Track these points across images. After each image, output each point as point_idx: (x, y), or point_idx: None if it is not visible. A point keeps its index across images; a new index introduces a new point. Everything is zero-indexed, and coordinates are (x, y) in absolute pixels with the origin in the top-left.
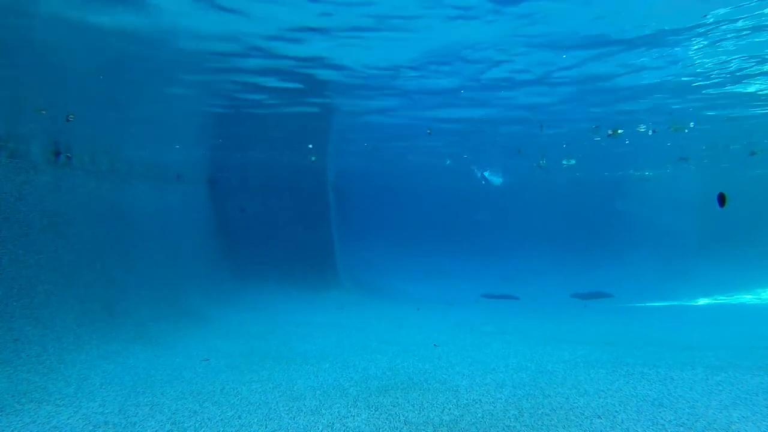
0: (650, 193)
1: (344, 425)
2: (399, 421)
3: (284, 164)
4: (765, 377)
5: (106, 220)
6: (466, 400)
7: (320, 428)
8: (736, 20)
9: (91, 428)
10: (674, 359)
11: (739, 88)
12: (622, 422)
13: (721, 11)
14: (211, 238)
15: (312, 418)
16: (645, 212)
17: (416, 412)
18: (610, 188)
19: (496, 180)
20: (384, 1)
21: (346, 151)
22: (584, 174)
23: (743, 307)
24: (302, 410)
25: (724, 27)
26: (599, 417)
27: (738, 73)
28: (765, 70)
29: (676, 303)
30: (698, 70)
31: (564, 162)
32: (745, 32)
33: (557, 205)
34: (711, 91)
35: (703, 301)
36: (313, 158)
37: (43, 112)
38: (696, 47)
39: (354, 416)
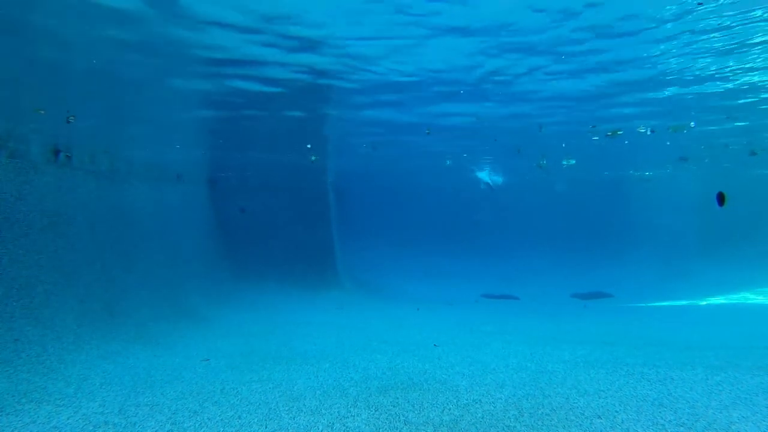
0: (650, 193)
1: (344, 425)
2: (399, 421)
3: (284, 164)
4: (765, 377)
5: (106, 220)
6: (466, 400)
7: (320, 428)
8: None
9: (91, 428)
10: (674, 359)
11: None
12: (622, 422)
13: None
14: (211, 238)
15: (312, 418)
16: (645, 212)
17: (416, 412)
18: (610, 188)
19: (498, 180)
20: None
21: (346, 151)
22: (584, 174)
23: (743, 307)
24: (302, 410)
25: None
26: (599, 417)
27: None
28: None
29: (676, 303)
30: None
31: (564, 162)
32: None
33: (557, 205)
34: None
35: (702, 301)
36: (313, 158)
37: (42, 112)
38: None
39: (354, 416)
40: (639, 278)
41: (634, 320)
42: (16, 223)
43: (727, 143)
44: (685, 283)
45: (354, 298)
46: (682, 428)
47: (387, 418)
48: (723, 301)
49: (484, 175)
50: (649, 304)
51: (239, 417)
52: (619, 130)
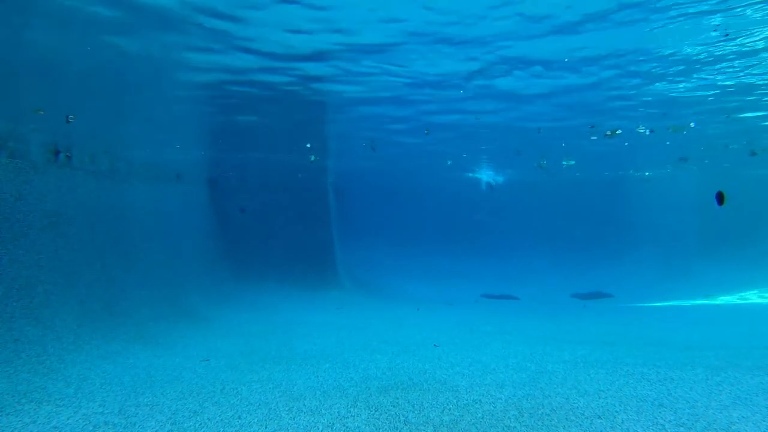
0: (650, 193)
1: (344, 425)
2: (399, 421)
3: (284, 164)
4: (765, 377)
5: (106, 220)
6: (466, 400)
7: (320, 428)
8: None
9: (91, 428)
10: (674, 359)
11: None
12: (622, 422)
13: None
14: (211, 238)
15: (312, 418)
16: (645, 212)
17: (416, 412)
18: (610, 188)
19: (498, 180)
20: None
21: (346, 151)
22: (584, 174)
23: (743, 307)
24: (302, 410)
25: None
26: (599, 417)
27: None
28: None
29: (676, 303)
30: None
31: (564, 162)
32: None
33: (557, 205)
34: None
35: (703, 301)
36: (313, 158)
37: (42, 112)
38: None
39: (354, 416)
40: (639, 278)
41: (634, 320)
42: (16, 223)
43: (727, 143)
44: (685, 283)
45: (354, 298)
46: (682, 428)
47: (387, 418)
48: (723, 301)
49: (485, 175)
50: (649, 304)
51: (239, 417)
52: (618, 130)
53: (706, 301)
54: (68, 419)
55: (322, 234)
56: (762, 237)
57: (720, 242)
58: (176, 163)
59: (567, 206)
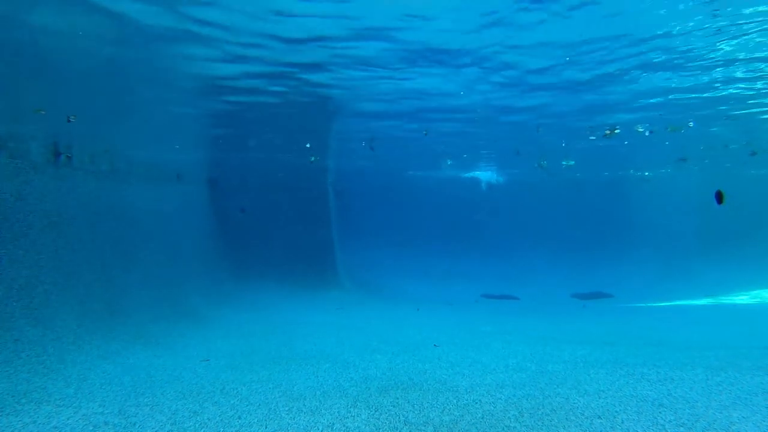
0: (650, 193)
1: (344, 425)
2: (399, 422)
3: (284, 164)
4: (765, 377)
5: (106, 220)
6: (466, 400)
7: (320, 428)
8: None
9: (91, 428)
10: (674, 359)
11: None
12: (622, 422)
13: None
14: (211, 238)
15: (312, 418)
16: (645, 212)
17: (416, 412)
18: (610, 188)
19: (498, 179)
20: None
21: (346, 151)
22: (584, 174)
23: (743, 307)
24: (302, 410)
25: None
26: (599, 417)
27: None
28: None
29: (676, 303)
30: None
31: (564, 162)
32: None
33: (557, 205)
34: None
35: (703, 301)
36: (313, 158)
37: (43, 112)
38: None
39: (354, 416)
40: (639, 278)
41: (634, 320)
42: (16, 223)
43: (727, 143)
44: (685, 283)
45: (354, 298)
46: (682, 428)
47: (387, 419)
48: (723, 301)
49: (486, 174)
50: (649, 304)
51: (239, 417)
52: (617, 129)
53: (706, 301)
54: (68, 419)
55: (322, 234)
56: (762, 237)
57: (720, 242)
58: (176, 163)
59: (567, 206)
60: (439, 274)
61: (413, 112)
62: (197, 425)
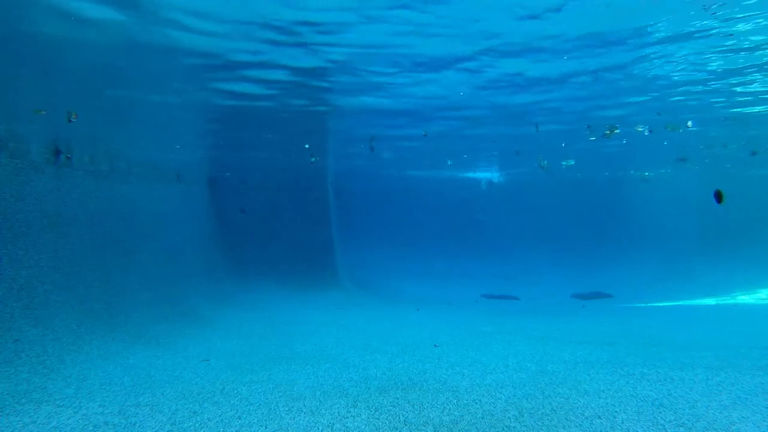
0: (650, 193)
1: (344, 425)
2: (399, 422)
3: (284, 164)
4: (765, 377)
5: (106, 220)
6: (466, 400)
7: (320, 428)
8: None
9: (91, 428)
10: (674, 359)
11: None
12: (622, 422)
13: None
14: (211, 238)
15: (312, 418)
16: (645, 212)
17: (416, 412)
18: (610, 189)
19: (498, 178)
20: None
21: (346, 151)
22: (584, 174)
23: (743, 307)
24: (302, 410)
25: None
26: (599, 417)
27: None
28: None
29: (675, 303)
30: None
31: (563, 163)
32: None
33: (557, 205)
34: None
35: (703, 301)
36: (313, 159)
37: (42, 112)
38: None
39: (354, 416)
40: (639, 278)
41: (634, 320)
42: (16, 223)
43: (726, 143)
44: (684, 283)
45: (354, 298)
46: (682, 428)
47: (387, 418)
48: (723, 302)
49: (486, 175)
50: (649, 304)
51: (239, 417)
52: (617, 129)
53: (706, 301)
54: (68, 419)
55: (322, 234)
56: (762, 237)
57: (720, 242)
58: (176, 163)
59: (567, 206)
60: (439, 274)
61: (413, 113)
62: (197, 425)
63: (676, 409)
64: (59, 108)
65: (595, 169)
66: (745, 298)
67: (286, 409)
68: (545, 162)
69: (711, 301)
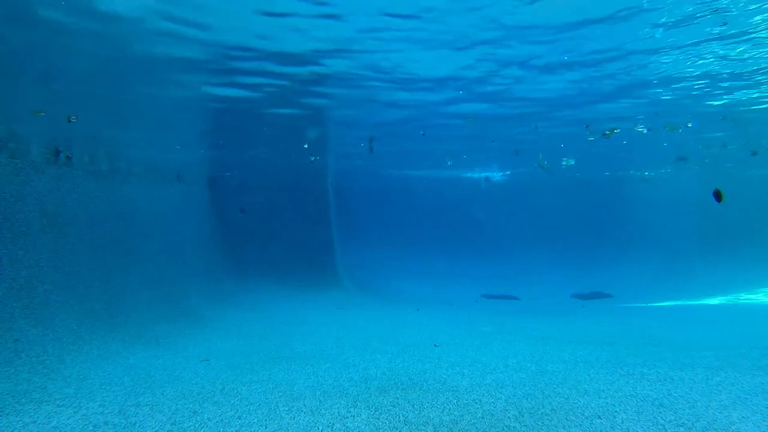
0: (650, 193)
1: (344, 425)
2: (399, 421)
3: (284, 164)
4: (765, 377)
5: (106, 220)
6: (466, 400)
7: (320, 428)
8: None
9: (91, 428)
10: (674, 359)
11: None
12: (622, 422)
13: None
14: (210, 238)
15: (312, 418)
16: (645, 212)
17: (416, 412)
18: (610, 188)
19: (496, 176)
20: None
21: (346, 151)
22: (584, 174)
23: (743, 307)
24: (302, 410)
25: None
26: (599, 417)
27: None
28: None
29: (676, 303)
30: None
31: (563, 162)
32: None
33: (557, 205)
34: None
35: (703, 301)
36: (313, 158)
37: (42, 113)
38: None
39: (354, 416)
40: (639, 278)
41: (633, 320)
42: (16, 223)
43: (725, 143)
44: (685, 283)
45: (354, 298)
46: (682, 428)
47: (387, 418)
48: (723, 301)
49: (485, 174)
50: (649, 304)
51: (239, 417)
52: (616, 129)
53: (706, 301)
54: (68, 419)
55: (322, 234)
56: (762, 237)
57: (720, 242)
58: (176, 163)
59: (567, 206)
60: (439, 273)
61: (411, 118)
62: (197, 425)
63: (676, 408)
64: (59, 108)
65: (595, 169)
66: (744, 298)
67: (286, 409)
68: (545, 162)
69: (711, 301)
